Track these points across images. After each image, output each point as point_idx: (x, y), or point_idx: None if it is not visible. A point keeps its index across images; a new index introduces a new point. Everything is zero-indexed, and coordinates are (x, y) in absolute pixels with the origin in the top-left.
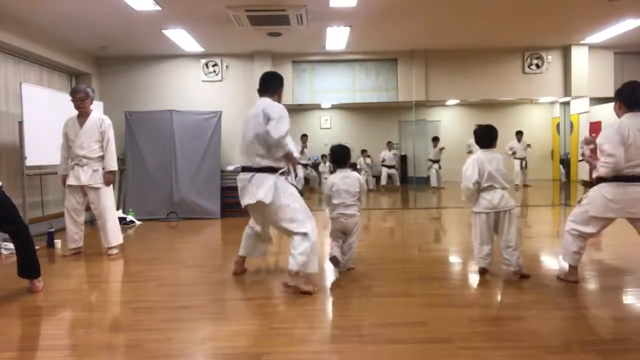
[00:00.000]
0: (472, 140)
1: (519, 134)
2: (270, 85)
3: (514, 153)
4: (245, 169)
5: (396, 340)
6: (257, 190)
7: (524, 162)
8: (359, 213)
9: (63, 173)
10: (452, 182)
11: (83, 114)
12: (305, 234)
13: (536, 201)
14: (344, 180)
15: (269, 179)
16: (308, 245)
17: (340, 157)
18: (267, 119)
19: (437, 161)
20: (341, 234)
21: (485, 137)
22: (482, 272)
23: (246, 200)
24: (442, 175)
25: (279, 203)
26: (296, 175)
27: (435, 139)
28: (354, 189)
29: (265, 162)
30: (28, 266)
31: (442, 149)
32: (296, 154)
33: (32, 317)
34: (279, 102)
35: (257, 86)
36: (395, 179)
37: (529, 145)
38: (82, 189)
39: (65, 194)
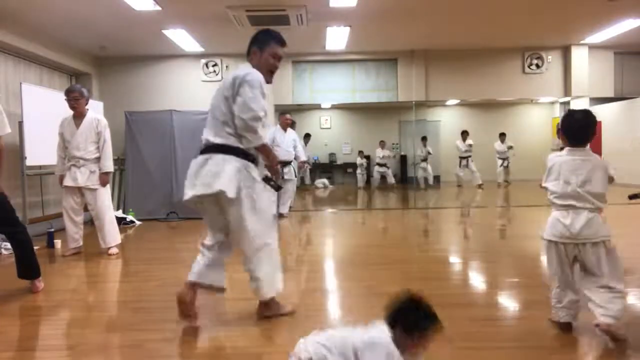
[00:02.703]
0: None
1: (503, 135)
2: (249, 47)
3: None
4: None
5: None
6: (214, 177)
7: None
8: None
9: (60, 173)
10: (451, 182)
11: (78, 115)
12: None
13: (538, 201)
14: None
15: (233, 161)
16: (277, 260)
17: None
18: (237, 87)
19: (424, 160)
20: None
21: (581, 128)
22: (564, 327)
23: (193, 190)
24: (431, 173)
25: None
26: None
27: (424, 139)
28: None
29: (232, 140)
30: (26, 267)
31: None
32: (303, 158)
33: (32, 317)
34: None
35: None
36: (388, 177)
37: (510, 147)
38: (80, 190)
39: (63, 194)
